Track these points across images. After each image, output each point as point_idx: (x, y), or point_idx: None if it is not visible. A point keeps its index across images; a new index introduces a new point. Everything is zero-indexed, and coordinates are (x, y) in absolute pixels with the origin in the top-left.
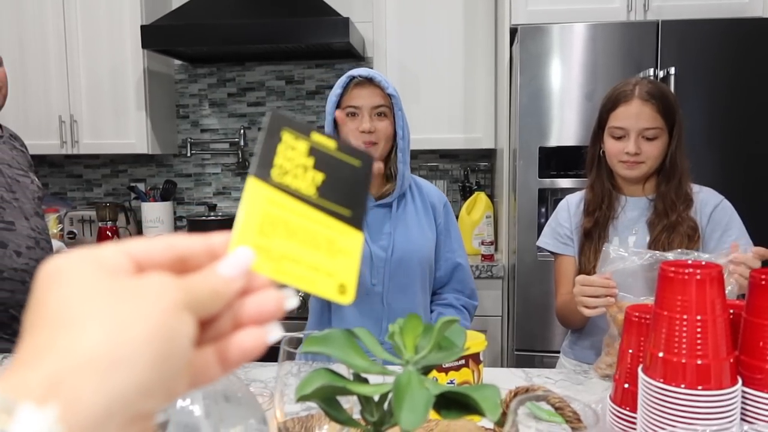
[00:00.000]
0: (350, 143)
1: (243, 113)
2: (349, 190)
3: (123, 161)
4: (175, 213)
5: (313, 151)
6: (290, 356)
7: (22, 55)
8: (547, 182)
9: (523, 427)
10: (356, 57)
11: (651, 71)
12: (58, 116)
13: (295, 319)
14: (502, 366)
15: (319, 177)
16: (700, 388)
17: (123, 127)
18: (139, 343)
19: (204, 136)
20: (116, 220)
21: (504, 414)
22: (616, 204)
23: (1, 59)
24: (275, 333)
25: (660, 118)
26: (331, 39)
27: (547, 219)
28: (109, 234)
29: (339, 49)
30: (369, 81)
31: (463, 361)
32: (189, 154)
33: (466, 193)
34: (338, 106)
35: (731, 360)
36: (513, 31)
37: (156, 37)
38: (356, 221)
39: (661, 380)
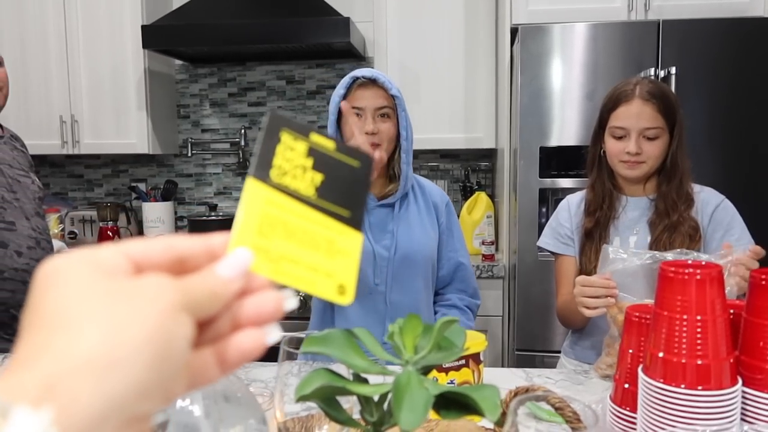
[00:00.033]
0: (349, 144)
1: (244, 113)
2: (348, 190)
3: (124, 161)
4: (176, 213)
5: (312, 152)
6: (290, 356)
7: (23, 55)
8: (548, 182)
9: (523, 427)
10: (357, 57)
11: (652, 71)
12: (59, 116)
13: (297, 318)
14: (502, 366)
15: (318, 177)
16: (700, 388)
17: (124, 127)
18: (136, 344)
19: (205, 136)
20: (117, 220)
21: (504, 414)
22: (617, 204)
23: (2, 59)
24: (274, 334)
25: (661, 118)
26: (331, 39)
27: (547, 219)
28: (110, 234)
29: (340, 48)
30: (372, 82)
31: (463, 361)
32: (190, 154)
33: (466, 192)
34: (341, 109)
35: (731, 360)
36: (514, 31)
37: (157, 37)
38: (355, 222)
39: (661, 380)
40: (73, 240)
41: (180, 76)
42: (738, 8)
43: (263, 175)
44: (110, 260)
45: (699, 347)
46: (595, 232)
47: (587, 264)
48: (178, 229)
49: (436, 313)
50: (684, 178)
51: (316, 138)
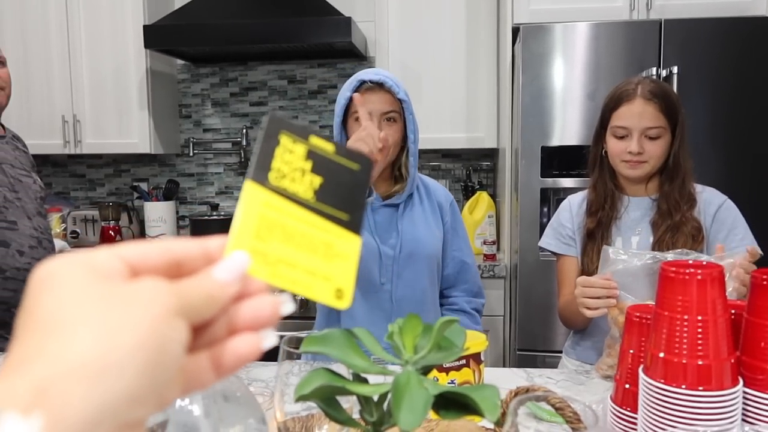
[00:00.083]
0: (349, 147)
1: (245, 113)
2: (348, 194)
3: (126, 161)
4: (177, 212)
5: (311, 155)
6: (291, 356)
7: (26, 55)
8: (550, 182)
9: (523, 428)
10: (358, 56)
11: (654, 70)
12: (61, 116)
13: (298, 318)
14: (504, 366)
15: (317, 180)
16: (700, 388)
17: (126, 126)
18: (129, 349)
19: (206, 135)
20: (119, 219)
21: (503, 414)
22: (619, 204)
23: (4, 59)
24: (270, 339)
25: (663, 118)
26: (333, 39)
27: (549, 219)
28: (112, 234)
29: (341, 48)
30: (379, 86)
31: (463, 361)
32: (191, 154)
33: (468, 192)
34: (347, 109)
35: (732, 360)
36: (515, 30)
37: (158, 36)
38: (354, 225)
39: (662, 381)
40: (75, 239)
41: (182, 76)
42: (740, 7)
43: (261, 178)
44: (106, 263)
45: (700, 347)
46: (597, 233)
47: (589, 264)
48: (179, 228)
49: (443, 316)
50: (686, 177)
51: (316, 141)
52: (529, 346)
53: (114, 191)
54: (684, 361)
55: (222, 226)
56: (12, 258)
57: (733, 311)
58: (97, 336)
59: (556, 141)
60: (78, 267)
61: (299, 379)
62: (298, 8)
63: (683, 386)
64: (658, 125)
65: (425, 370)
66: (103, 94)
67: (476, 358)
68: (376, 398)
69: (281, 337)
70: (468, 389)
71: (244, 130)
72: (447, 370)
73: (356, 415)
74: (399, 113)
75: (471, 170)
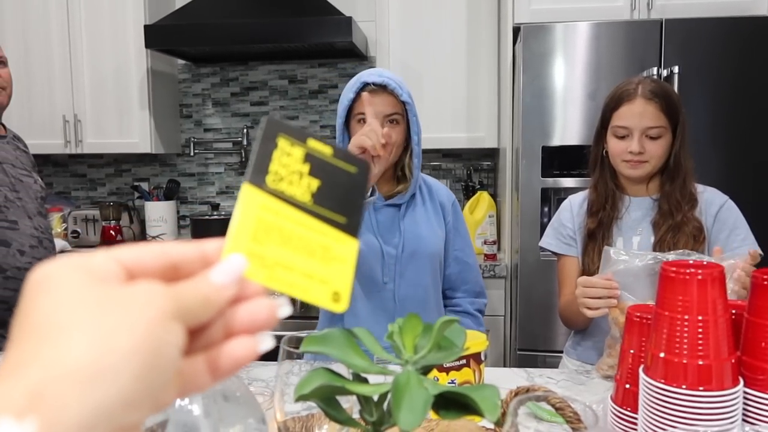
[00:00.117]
0: (348, 149)
1: (246, 112)
2: (345, 197)
3: (126, 161)
4: (178, 212)
5: (309, 158)
6: (291, 355)
7: (27, 55)
8: (550, 181)
9: (523, 428)
10: (359, 56)
11: (655, 70)
12: (62, 116)
13: (299, 318)
14: (505, 366)
15: (315, 184)
16: (701, 388)
17: (126, 126)
18: (125, 353)
19: (207, 135)
20: (120, 219)
21: (503, 414)
22: (620, 204)
23: (6, 59)
24: (267, 342)
25: (663, 117)
26: (333, 38)
27: (550, 218)
28: (113, 233)
29: (342, 48)
30: (382, 88)
31: (464, 361)
32: (192, 154)
33: (468, 192)
34: (349, 111)
35: (733, 361)
36: (516, 30)
37: (159, 36)
38: (351, 228)
39: (662, 381)
40: (75, 239)
41: (182, 76)
42: (741, 7)
43: (259, 181)
44: (102, 267)
45: (700, 348)
46: (598, 233)
47: (590, 265)
48: (180, 228)
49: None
50: (687, 177)
51: (313, 144)
52: (530, 346)
53: (115, 191)
54: (684, 361)
55: (223, 225)
56: (13, 257)
57: (733, 311)
58: (93, 339)
59: (556, 141)
60: (74, 270)
61: (299, 378)
62: (298, 8)
63: (684, 386)
64: (658, 125)
65: (425, 370)
66: (104, 93)
67: (476, 357)
68: (376, 398)
69: (282, 336)
70: (468, 389)
71: (245, 130)
72: (447, 370)
73: (356, 415)
74: (402, 115)
75: (472, 170)
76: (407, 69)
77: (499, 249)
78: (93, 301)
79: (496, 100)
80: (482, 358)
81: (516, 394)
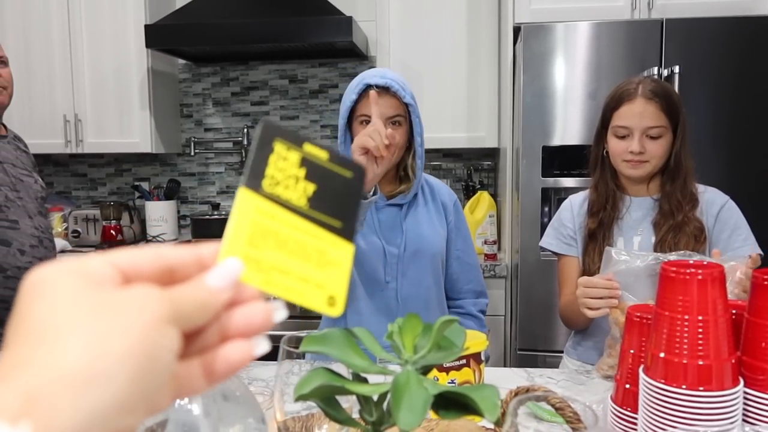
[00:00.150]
0: (343, 154)
1: (246, 112)
2: (341, 201)
3: (127, 160)
4: (178, 212)
5: (305, 162)
6: (291, 355)
7: (28, 55)
8: (551, 181)
9: (523, 428)
10: (359, 56)
11: (655, 70)
12: (63, 115)
13: (299, 317)
14: (505, 365)
15: (311, 188)
16: (701, 389)
17: (127, 126)
18: (119, 357)
19: (207, 135)
20: (120, 219)
21: (503, 414)
22: (621, 204)
23: (6, 59)
24: (262, 346)
25: (664, 117)
26: (334, 38)
27: (550, 218)
28: (113, 233)
29: (342, 48)
30: (385, 90)
31: (464, 361)
32: (193, 153)
33: (469, 192)
34: (351, 112)
35: (733, 361)
36: (516, 30)
37: (160, 36)
38: (347, 233)
39: (662, 381)
40: (76, 239)
41: (183, 76)
42: (742, 7)
43: (255, 185)
44: (98, 270)
45: (700, 348)
46: (598, 233)
47: (591, 265)
48: (180, 228)
49: None
50: (688, 177)
51: (310, 148)
52: (530, 346)
53: (115, 191)
54: (684, 361)
55: (223, 225)
56: (13, 257)
57: (733, 311)
58: (87, 344)
59: (557, 140)
60: (69, 274)
61: (299, 378)
62: (299, 8)
63: (683, 386)
64: (659, 125)
65: (425, 370)
66: (105, 93)
67: (476, 357)
68: (375, 398)
69: (282, 336)
70: (467, 389)
71: (245, 130)
72: (447, 370)
73: (356, 415)
74: (405, 117)
75: (472, 170)
76: (407, 69)
77: (499, 249)
78: (88, 305)
79: (497, 100)
80: (482, 358)
81: (516, 394)
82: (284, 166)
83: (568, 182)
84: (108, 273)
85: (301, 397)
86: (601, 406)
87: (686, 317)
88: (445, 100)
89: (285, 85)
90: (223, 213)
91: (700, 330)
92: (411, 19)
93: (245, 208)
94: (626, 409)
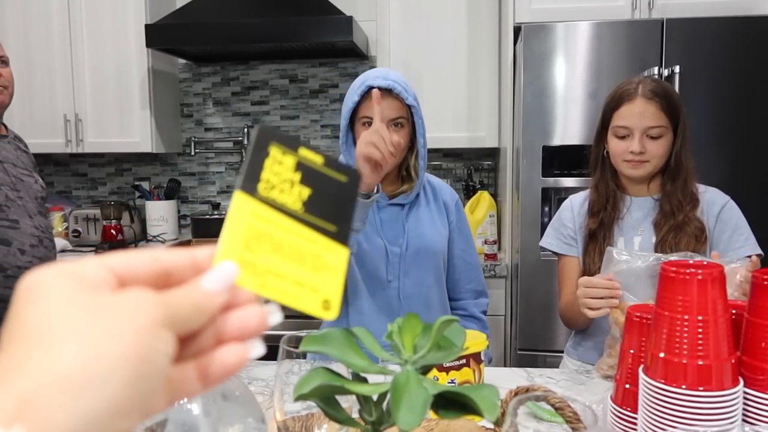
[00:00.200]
0: (338, 159)
1: (247, 112)
2: (336, 205)
3: (127, 160)
4: (179, 211)
5: (301, 166)
6: (291, 355)
7: (28, 54)
8: (551, 181)
9: (523, 428)
10: (360, 56)
11: (656, 70)
12: (63, 115)
13: (299, 317)
14: (505, 365)
15: (306, 192)
16: (701, 389)
17: (127, 126)
18: (114, 360)
19: (208, 134)
20: (120, 218)
21: (503, 414)
22: (621, 204)
23: (7, 59)
24: (257, 349)
25: (664, 117)
26: (334, 38)
27: (550, 218)
28: (114, 233)
29: (342, 47)
30: (388, 92)
31: (464, 361)
32: (193, 153)
33: (469, 192)
34: (353, 113)
35: (733, 361)
36: (517, 30)
37: (160, 36)
38: (342, 237)
39: (662, 381)
40: (76, 238)
41: (183, 75)
42: (742, 7)
43: (251, 189)
44: (93, 274)
45: (700, 348)
46: (599, 233)
47: (591, 265)
48: (181, 227)
49: None
50: (688, 177)
51: (305, 152)
52: (530, 346)
53: (115, 190)
54: (684, 361)
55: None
56: (13, 256)
57: (733, 311)
58: (82, 347)
59: (557, 140)
60: (65, 277)
61: (299, 378)
62: (299, 7)
63: (683, 386)
64: (659, 124)
65: (425, 370)
66: (105, 93)
67: (476, 357)
68: (375, 398)
69: (282, 336)
70: (467, 389)
71: (246, 130)
72: (447, 370)
73: (356, 415)
74: (407, 118)
75: (472, 170)
76: (408, 68)
77: (499, 249)
78: (83, 309)
79: (497, 100)
80: (482, 358)
81: (516, 394)
82: (280, 170)
83: (568, 182)
84: (103, 276)
85: (300, 397)
86: (601, 406)
87: (686, 317)
88: (445, 99)
89: (285, 85)
90: (224, 213)
91: (700, 330)
92: (411, 19)
93: (241, 212)
94: (626, 409)
